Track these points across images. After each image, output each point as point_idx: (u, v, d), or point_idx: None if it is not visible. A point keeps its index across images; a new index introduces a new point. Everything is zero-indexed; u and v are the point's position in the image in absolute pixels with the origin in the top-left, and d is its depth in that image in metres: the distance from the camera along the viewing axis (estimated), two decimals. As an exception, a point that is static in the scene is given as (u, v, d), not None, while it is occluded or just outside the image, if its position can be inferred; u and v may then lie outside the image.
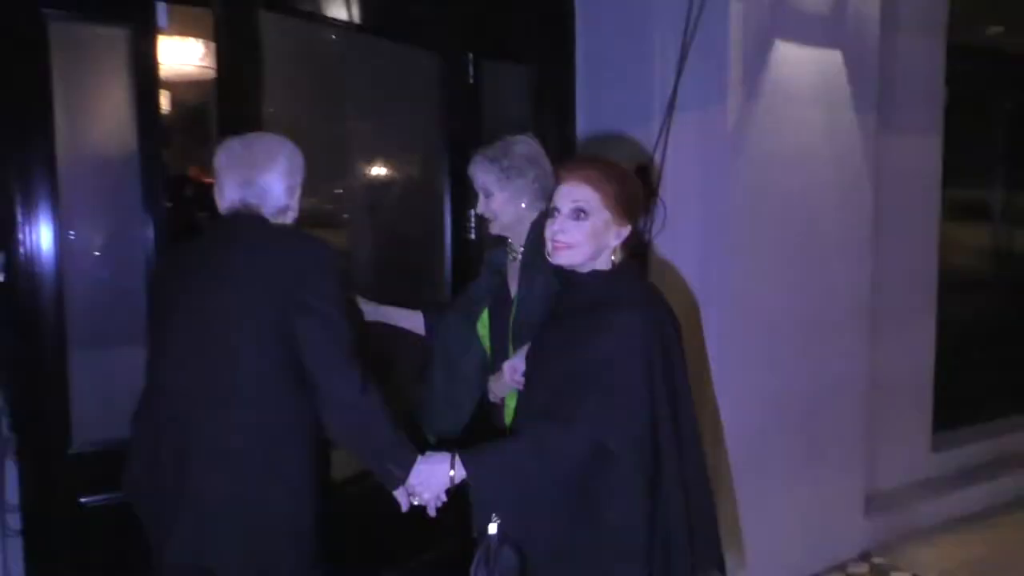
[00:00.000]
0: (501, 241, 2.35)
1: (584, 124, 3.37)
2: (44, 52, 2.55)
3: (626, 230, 1.74)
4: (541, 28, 3.34)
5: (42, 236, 2.56)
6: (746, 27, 2.99)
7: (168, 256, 2.02)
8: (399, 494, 1.81)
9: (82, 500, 2.62)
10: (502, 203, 2.21)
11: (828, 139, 3.26)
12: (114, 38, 2.70)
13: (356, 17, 3.04)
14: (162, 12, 2.71)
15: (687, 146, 2.98)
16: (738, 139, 3.01)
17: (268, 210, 1.94)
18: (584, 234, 1.70)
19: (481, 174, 2.23)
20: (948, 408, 4.35)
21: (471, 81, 3.19)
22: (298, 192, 2.00)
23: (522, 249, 2.24)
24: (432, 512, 1.78)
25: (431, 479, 1.72)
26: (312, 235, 1.95)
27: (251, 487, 1.83)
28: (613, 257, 1.75)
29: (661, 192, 2.93)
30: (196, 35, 7.04)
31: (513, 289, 2.26)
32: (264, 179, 1.91)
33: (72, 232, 2.65)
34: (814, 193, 3.24)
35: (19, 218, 2.51)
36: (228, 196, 1.93)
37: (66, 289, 2.59)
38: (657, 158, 2.92)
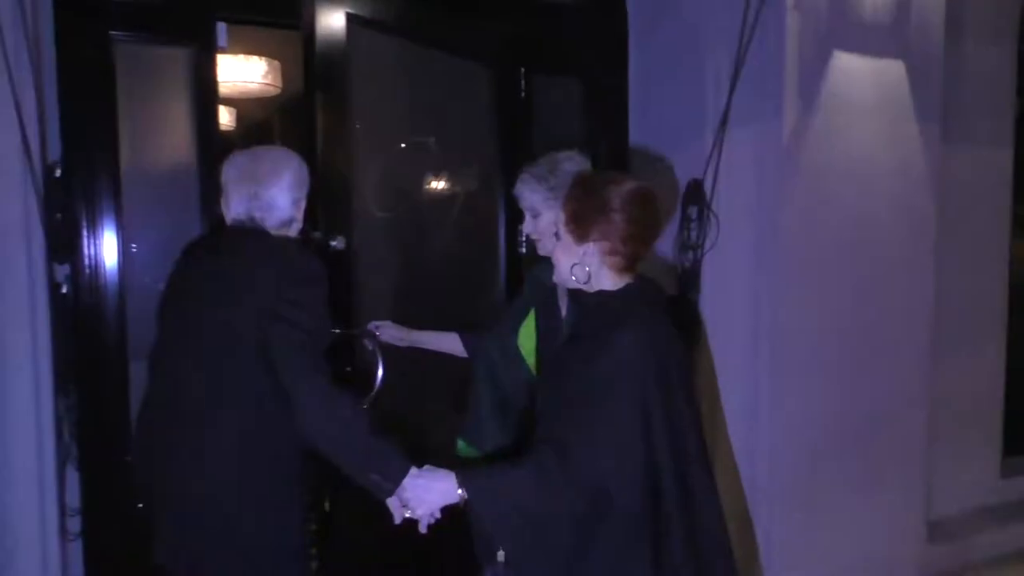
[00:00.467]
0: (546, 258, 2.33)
1: (636, 139, 3.35)
2: (111, 72, 2.65)
3: (595, 246, 1.66)
4: (594, 41, 3.33)
5: (106, 249, 2.66)
6: (803, 38, 2.93)
7: (177, 265, 2.05)
8: (392, 505, 1.76)
9: (140, 506, 2.70)
10: (550, 223, 2.11)
11: (889, 152, 3.16)
12: (176, 57, 2.79)
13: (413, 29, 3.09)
14: (222, 32, 2.79)
15: (740, 161, 2.93)
16: (793, 153, 2.95)
17: (272, 223, 1.95)
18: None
19: (528, 193, 2.17)
20: (1018, 432, 4.16)
21: (522, 95, 3.20)
22: (303, 204, 2.01)
23: None
24: (423, 528, 1.73)
25: (426, 494, 1.67)
26: (303, 249, 1.95)
27: (232, 498, 1.83)
28: (612, 275, 1.69)
29: (713, 207, 2.89)
30: (259, 54, 7.24)
31: (563, 307, 2.20)
32: (270, 193, 1.93)
33: (134, 245, 2.74)
34: (873, 208, 3.15)
35: (84, 232, 2.61)
36: (234, 209, 1.95)
37: (127, 301, 2.68)
38: (709, 173, 2.88)
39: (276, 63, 7.16)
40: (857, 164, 3.11)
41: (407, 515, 1.73)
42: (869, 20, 3.09)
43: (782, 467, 3.03)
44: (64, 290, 2.45)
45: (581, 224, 1.66)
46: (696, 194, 2.92)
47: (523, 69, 3.18)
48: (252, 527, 1.85)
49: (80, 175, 2.58)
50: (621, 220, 1.64)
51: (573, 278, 1.70)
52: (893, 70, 3.13)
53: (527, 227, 2.20)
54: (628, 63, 3.33)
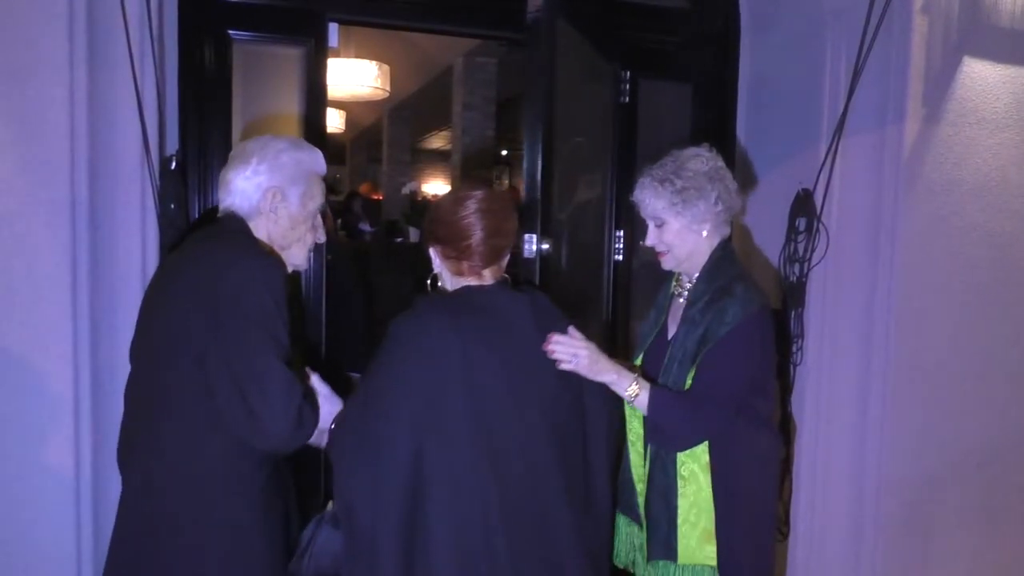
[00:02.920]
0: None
1: (744, 145, 3.23)
2: (228, 70, 2.75)
3: (433, 251, 1.80)
4: (703, 46, 3.24)
5: (215, 241, 2.75)
6: (930, 43, 2.75)
7: (164, 260, 1.99)
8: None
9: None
10: (677, 232, 1.95)
11: (1022, 167, 2.95)
12: (289, 57, 2.87)
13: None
14: (333, 33, 2.85)
15: (856, 171, 2.78)
16: (915, 165, 2.78)
17: (241, 210, 1.79)
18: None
19: (651, 199, 1.94)
20: None
21: (626, 100, 3.14)
22: (283, 195, 1.80)
23: (690, 285, 1.99)
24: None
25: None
26: (259, 251, 1.74)
27: (177, 516, 1.69)
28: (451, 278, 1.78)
29: (824, 219, 2.75)
30: (371, 57, 7.42)
31: (672, 330, 2.02)
32: (227, 176, 1.80)
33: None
34: (1001, 226, 2.94)
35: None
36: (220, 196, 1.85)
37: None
38: (821, 183, 2.74)
39: (386, 67, 7.35)
40: (986, 179, 2.91)
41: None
42: (1005, 25, 2.89)
43: (894, 494, 2.86)
44: (174, 279, 2.53)
45: (429, 233, 1.81)
46: (806, 204, 2.79)
47: (627, 73, 3.12)
48: (207, 545, 1.70)
49: (195, 168, 2.70)
50: (434, 227, 1.79)
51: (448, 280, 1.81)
52: (1030, 79, 2.92)
53: (651, 238, 1.99)
54: (739, 67, 3.22)
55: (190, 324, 1.64)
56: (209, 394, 1.63)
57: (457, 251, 1.75)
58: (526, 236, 2.31)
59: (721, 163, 1.96)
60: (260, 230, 1.81)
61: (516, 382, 1.68)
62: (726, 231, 2.00)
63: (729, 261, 1.98)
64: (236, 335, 1.61)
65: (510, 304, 1.75)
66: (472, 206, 1.74)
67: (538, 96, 2.39)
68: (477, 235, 1.73)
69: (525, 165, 2.39)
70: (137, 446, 1.76)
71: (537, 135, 2.38)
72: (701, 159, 1.94)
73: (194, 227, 2.44)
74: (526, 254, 2.34)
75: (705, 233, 1.95)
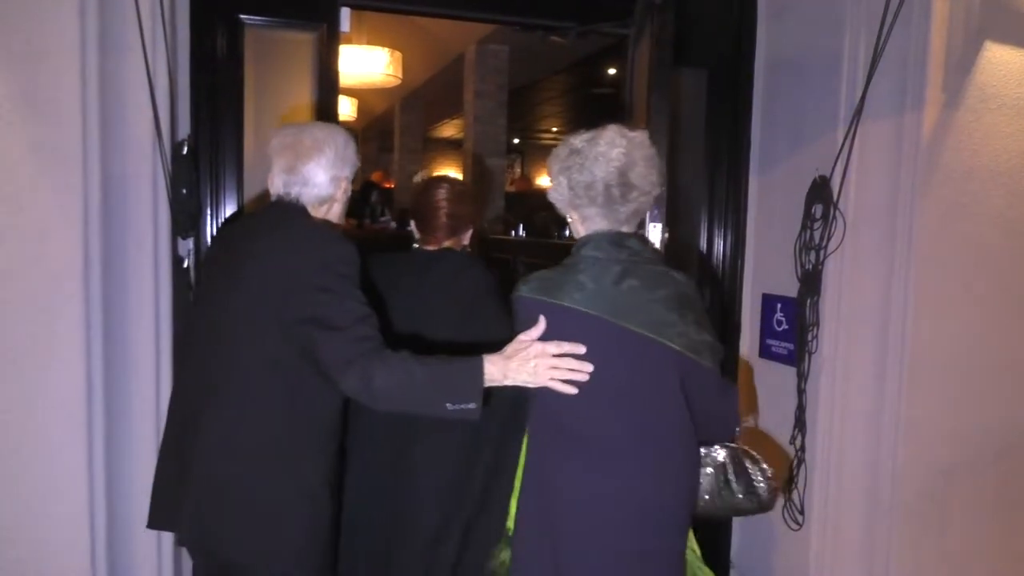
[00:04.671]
0: None
1: (760, 131, 3.19)
2: (239, 55, 2.74)
3: (413, 225, 2.41)
4: (719, 30, 3.20)
5: (227, 227, 2.74)
6: (951, 28, 2.70)
7: (215, 241, 2.04)
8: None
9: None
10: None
11: (1043, 154, 2.91)
12: (301, 42, 2.86)
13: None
14: (345, 17, 2.83)
15: (873, 157, 2.73)
16: (934, 151, 2.73)
17: (309, 199, 1.89)
18: None
19: None
20: None
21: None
22: (344, 185, 1.95)
23: None
24: (562, 381, 1.70)
25: (514, 364, 1.71)
26: (337, 235, 1.84)
27: (256, 481, 1.77)
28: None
29: (841, 206, 2.71)
30: (383, 44, 7.39)
31: None
32: (307, 167, 1.87)
33: (220, 228, 2.81)
34: (1021, 213, 2.89)
35: (208, 209, 2.70)
36: (275, 182, 1.91)
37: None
38: (838, 169, 2.70)
39: (397, 54, 7.32)
40: (1006, 166, 2.86)
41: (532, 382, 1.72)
42: (1028, 9, 2.84)
43: (909, 484, 2.84)
44: (186, 264, 2.54)
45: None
46: (822, 191, 2.75)
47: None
48: (286, 518, 1.79)
49: (207, 153, 2.69)
50: (411, 207, 2.44)
51: None
52: (1053, 65, 2.86)
53: None
54: (755, 51, 3.18)
55: (276, 304, 1.72)
56: (291, 370, 1.73)
57: (424, 225, 2.35)
58: (650, 225, 2.22)
59: (574, 148, 1.83)
60: (317, 215, 1.92)
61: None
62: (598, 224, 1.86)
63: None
64: (327, 306, 1.71)
65: (431, 261, 2.31)
66: (438, 194, 2.33)
67: (663, 86, 2.29)
68: (439, 215, 2.32)
69: None
70: (213, 419, 1.79)
71: (664, 124, 2.30)
72: (561, 145, 1.87)
73: (231, 217, 2.47)
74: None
75: (569, 220, 1.91)
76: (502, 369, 1.70)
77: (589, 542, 1.78)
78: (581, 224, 1.86)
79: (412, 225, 2.39)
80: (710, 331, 1.79)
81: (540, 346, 1.71)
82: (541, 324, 1.73)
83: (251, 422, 1.77)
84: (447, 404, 1.68)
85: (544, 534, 1.82)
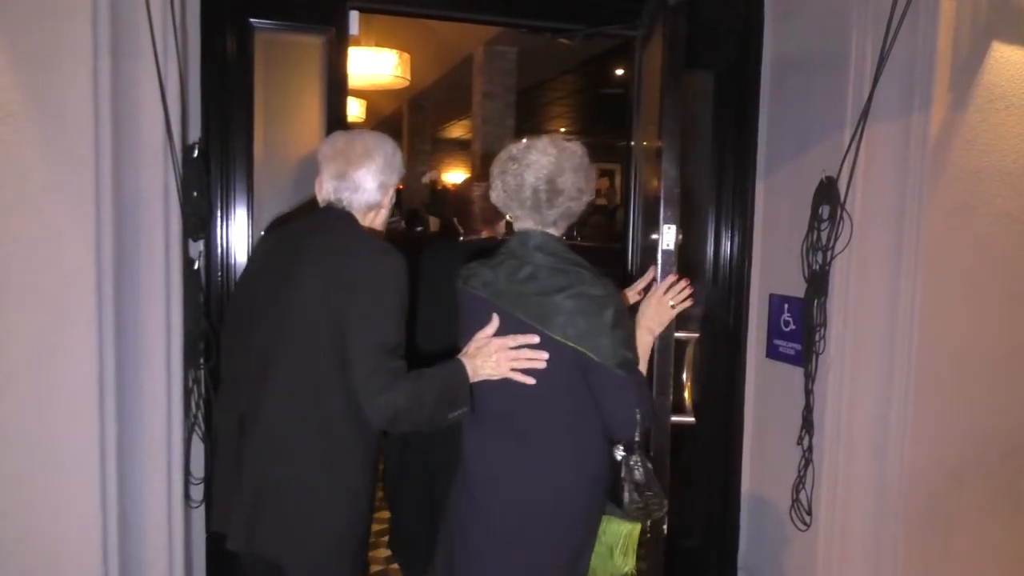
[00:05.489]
0: None
1: (767, 132, 3.20)
2: (249, 58, 2.76)
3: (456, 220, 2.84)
4: (726, 32, 3.20)
5: (237, 229, 2.77)
6: (958, 28, 2.71)
7: (262, 241, 2.11)
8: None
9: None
10: None
11: (1051, 154, 2.90)
12: (310, 45, 2.88)
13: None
14: (354, 20, 2.85)
15: (880, 158, 2.74)
16: (941, 152, 2.73)
17: (358, 205, 1.96)
18: None
19: None
20: None
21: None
22: (391, 191, 2.02)
23: None
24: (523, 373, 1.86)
25: (486, 362, 1.87)
26: (385, 246, 1.89)
27: (306, 480, 1.84)
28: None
29: (848, 207, 2.71)
30: (391, 46, 7.41)
31: None
32: (358, 174, 1.94)
33: (263, 232, 2.84)
34: (1030, 214, 2.89)
35: (218, 211, 2.72)
36: (325, 187, 1.97)
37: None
38: (845, 170, 2.71)
39: (406, 55, 7.34)
40: (1014, 166, 2.86)
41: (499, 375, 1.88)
42: (1036, 10, 2.83)
43: (917, 484, 2.84)
44: (196, 266, 2.56)
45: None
46: (829, 192, 2.75)
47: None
48: (331, 517, 1.87)
49: (217, 156, 2.71)
50: (453, 203, 2.91)
51: None
52: (1060, 65, 2.86)
53: None
54: (762, 54, 3.18)
55: (330, 307, 1.79)
56: (341, 368, 1.79)
57: (464, 220, 2.77)
58: (665, 227, 2.21)
59: (511, 155, 1.97)
60: (364, 222, 1.99)
61: None
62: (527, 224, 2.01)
63: None
64: (369, 321, 1.79)
65: (483, 251, 2.23)
66: (472, 192, 2.73)
67: (676, 88, 2.29)
68: (474, 209, 2.71)
69: (665, 157, 2.21)
70: (263, 421, 1.86)
71: (675, 127, 2.29)
72: (503, 151, 2.01)
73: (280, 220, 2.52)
74: (664, 246, 2.21)
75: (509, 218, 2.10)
76: (472, 368, 1.87)
77: (479, 508, 1.99)
78: (515, 223, 2.02)
79: (456, 220, 2.81)
80: (616, 334, 1.86)
81: (499, 341, 1.86)
82: (495, 322, 1.90)
83: (297, 422, 1.84)
84: (448, 415, 1.85)
85: (459, 494, 2.05)
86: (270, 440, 1.85)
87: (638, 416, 1.89)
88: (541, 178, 1.91)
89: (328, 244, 1.88)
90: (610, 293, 1.88)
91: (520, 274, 1.92)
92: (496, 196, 2.00)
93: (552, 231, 1.98)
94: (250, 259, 2.12)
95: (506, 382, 1.89)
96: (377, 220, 2.04)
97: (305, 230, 1.97)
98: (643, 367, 1.99)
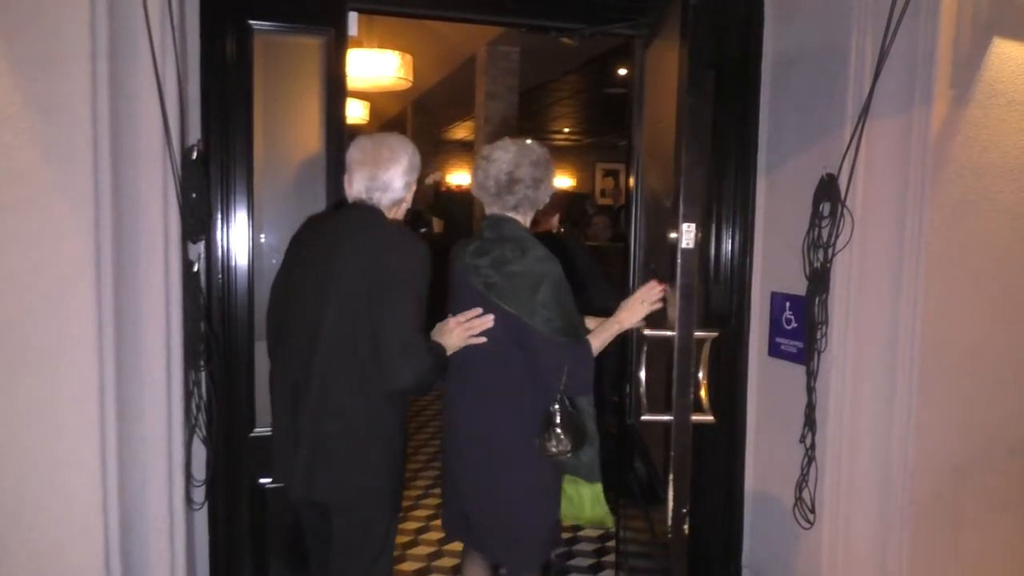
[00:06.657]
0: None
1: (767, 129, 3.19)
2: (249, 60, 2.76)
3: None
4: (727, 30, 3.19)
5: (237, 231, 2.77)
6: (959, 23, 2.69)
7: (301, 234, 2.39)
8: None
9: (261, 480, 2.80)
10: None
11: (1054, 149, 2.89)
12: (309, 47, 2.88)
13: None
14: (352, 21, 2.85)
15: (881, 155, 2.72)
16: (942, 148, 2.72)
17: (386, 202, 2.27)
18: None
19: None
20: None
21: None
22: (413, 188, 2.33)
23: None
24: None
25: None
26: (413, 236, 2.24)
27: (353, 434, 2.18)
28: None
29: (849, 204, 2.70)
30: (393, 47, 7.41)
31: None
32: (388, 175, 2.25)
33: (263, 235, 2.84)
34: (1033, 210, 2.88)
35: (218, 213, 2.73)
36: (356, 187, 2.27)
37: (255, 283, 2.78)
38: (846, 167, 2.70)
39: (408, 57, 7.34)
40: (1016, 162, 2.85)
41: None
42: (1037, 5, 2.82)
43: (922, 481, 2.83)
44: (196, 268, 2.56)
45: None
46: (830, 189, 2.74)
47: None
48: (376, 468, 2.21)
49: (217, 159, 2.71)
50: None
51: None
52: (1062, 60, 2.85)
53: None
54: (762, 50, 3.17)
55: (366, 291, 2.11)
56: (373, 339, 2.12)
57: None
58: (685, 226, 2.20)
59: (483, 154, 2.43)
60: (389, 215, 2.29)
61: None
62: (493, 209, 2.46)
63: None
64: (397, 305, 2.12)
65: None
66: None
67: (697, 86, 2.27)
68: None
69: (685, 156, 2.22)
70: (314, 386, 2.18)
71: (698, 126, 2.28)
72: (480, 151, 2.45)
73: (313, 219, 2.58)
74: (684, 244, 2.19)
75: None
76: (446, 343, 2.32)
77: (451, 448, 2.50)
78: (486, 209, 2.46)
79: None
80: (548, 304, 2.25)
81: (453, 320, 2.35)
82: (472, 312, 2.36)
83: (342, 386, 2.16)
84: (436, 382, 2.25)
85: (445, 432, 2.55)
86: (322, 403, 2.16)
87: (565, 369, 2.24)
88: (502, 171, 2.36)
89: (363, 235, 2.18)
90: (548, 271, 2.26)
91: (480, 250, 2.36)
92: (473, 188, 2.45)
93: (513, 215, 2.41)
94: (289, 250, 2.38)
95: (471, 347, 2.34)
96: (399, 213, 2.34)
97: (341, 223, 2.26)
98: (597, 347, 2.34)
